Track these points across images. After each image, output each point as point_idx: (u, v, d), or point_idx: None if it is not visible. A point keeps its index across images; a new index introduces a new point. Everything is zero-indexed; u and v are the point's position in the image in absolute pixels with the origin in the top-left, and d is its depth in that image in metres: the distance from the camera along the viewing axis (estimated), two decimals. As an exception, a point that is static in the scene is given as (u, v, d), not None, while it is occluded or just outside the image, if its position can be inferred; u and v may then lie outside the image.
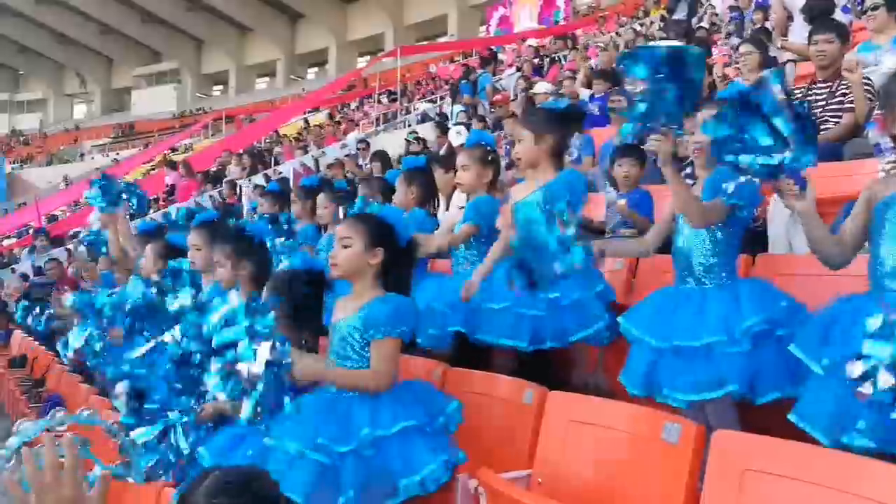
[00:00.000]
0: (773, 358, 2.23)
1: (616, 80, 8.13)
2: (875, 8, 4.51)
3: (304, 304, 2.63)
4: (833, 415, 1.81)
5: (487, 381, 2.77)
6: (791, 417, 1.93)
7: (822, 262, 2.16)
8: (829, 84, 4.15)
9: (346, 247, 2.38)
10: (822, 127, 4.05)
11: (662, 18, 14.22)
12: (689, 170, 4.07)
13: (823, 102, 4.11)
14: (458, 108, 11.52)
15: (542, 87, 9.72)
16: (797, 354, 1.99)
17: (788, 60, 6.53)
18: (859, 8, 6.81)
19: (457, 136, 8.68)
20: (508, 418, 2.54)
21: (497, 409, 2.61)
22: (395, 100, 18.44)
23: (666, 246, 3.08)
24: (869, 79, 3.95)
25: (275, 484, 1.36)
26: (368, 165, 9.06)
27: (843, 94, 3.98)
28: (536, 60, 14.19)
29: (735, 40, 8.57)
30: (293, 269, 2.75)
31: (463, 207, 3.54)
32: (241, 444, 2.34)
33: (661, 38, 11.30)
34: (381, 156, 8.11)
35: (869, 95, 3.84)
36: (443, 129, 9.37)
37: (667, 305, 2.49)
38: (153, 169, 21.51)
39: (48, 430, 1.29)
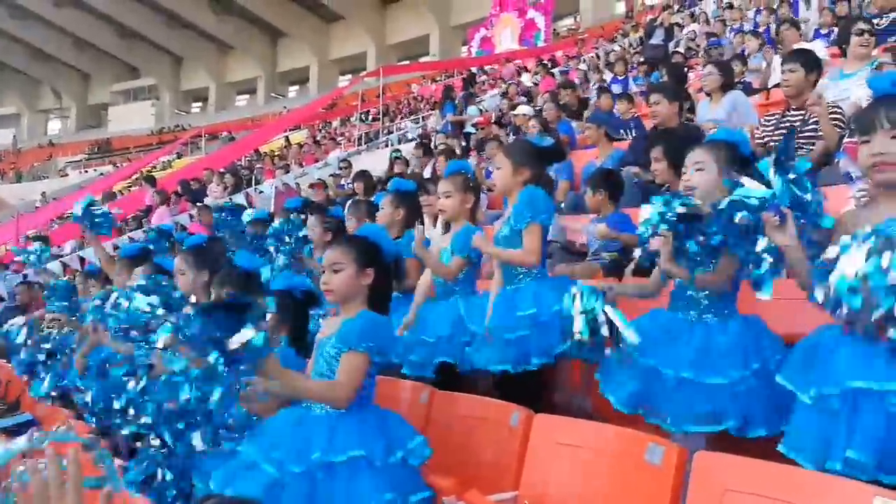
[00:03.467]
0: (766, 393, 2.26)
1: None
2: (862, 34, 4.69)
3: (292, 322, 2.70)
4: (818, 443, 1.86)
5: (473, 403, 2.82)
6: (780, 448, 1.96)
7: (802, 289, 2.21)
8: (802, 112, 4.26)
9: (336, 271, 2.41)
10: (796, 153, 4.17)
11: (640, 41, 14.51)
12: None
13: (797, 130, 4.23)
14: (473, 109, 11.74)
15: (522, 109, 9.86)
16: (784, 384, 2.02)
17: (757, 89, 6.73)
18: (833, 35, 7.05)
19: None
20: (495, 441, 2.58)
21: (483, 431, 2.65)
22: (376, 119, 18.54)
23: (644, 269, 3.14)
24: (839, 108, 4.07)
25: None
26: (351, 185, 9.12)
27: (816, 123, 4.10)
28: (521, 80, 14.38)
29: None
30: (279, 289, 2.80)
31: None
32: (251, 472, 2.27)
33: (639, 63, 11.52)
34: (365, 176, 8.17)
35: (839, 125, 3.96)
36: (426, 149, 9.45)
37: (668, 330, 2.51)
38: (131, 186, 21.36)
39: (25, 455, 1.30)
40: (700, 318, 2.50)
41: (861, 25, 4.83)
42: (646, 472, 2.05)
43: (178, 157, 26.45)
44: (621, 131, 6.70)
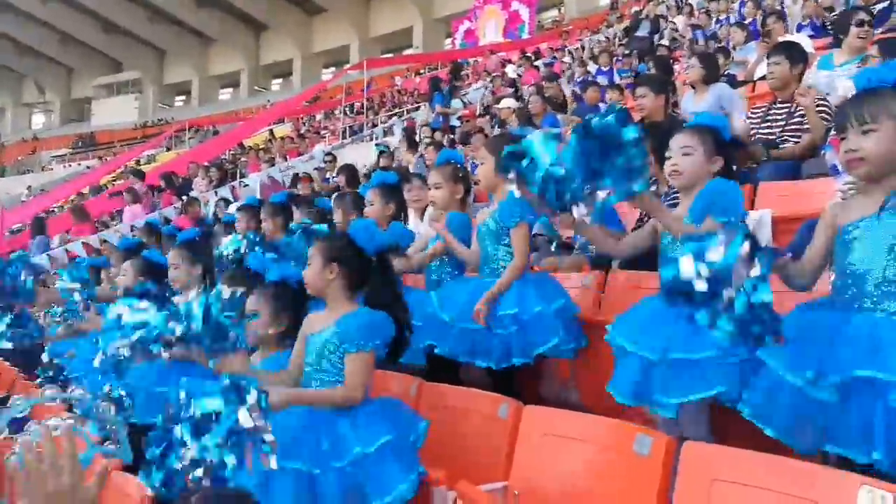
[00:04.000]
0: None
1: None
2: (862, 25, 4.70)
3: (291, 312, 2.75)
4: (806, 426, 1.88)
5: (463, 395, 2.83)
6: (749, 417, 1.99)
7: (786, 284, 2.20)
8: (788, 105, 4.29)
9: (308, 265, 2.55)
10: (781, 146, 4.20)
11: (626, 33, 14.52)
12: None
13: (783, 122, 4.25)
14: (457, 101, 11.82)
15: (506, 102, 9.86)
16: (770, 363, 2.02)
17: (742, 82, 6.76)
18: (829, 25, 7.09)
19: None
20: (484, 432, 2.60)
21: (473, 423, 2.66)
22: (360, 113, 18.49)
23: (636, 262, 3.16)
24: (826, 100, 4.10)
25: None
26: (335, 179, 9.09)
27: (802, 115, 4.13)
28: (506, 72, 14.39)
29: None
30: (276, 280, 2.82)
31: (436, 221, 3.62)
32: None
33: (624, 55, 11.55)
34: (349, 170, 8.15)
35: (826, 117, 3.99)
36: (411, 142, 9.43)
37: (657, 317, 2.48)
38: (116, 180, 21.19)
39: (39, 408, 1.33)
40: None
41: (862, 16, 4.84)
42: (634, 462, 2.07)
43: (168, 150, 26.23)
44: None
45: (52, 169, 35.56)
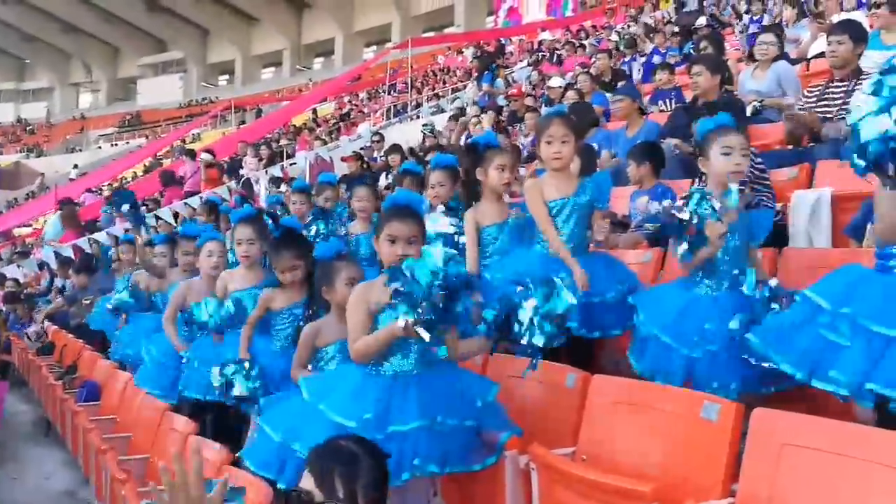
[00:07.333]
0: None
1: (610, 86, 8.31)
2: (878, 6, 4.69)
3: None
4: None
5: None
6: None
7: None
8: (846, 84, 4.28)
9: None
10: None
11: (676, 10, 14.31)
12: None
13: (840, 101, 4.24)
14: (499, 81, 12.00)
15: (555, 81, 9.86)
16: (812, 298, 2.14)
17: (795, 60, 6.67)
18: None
19: None
20: (551, 401, 2.69)
21: (539, 392, 2.76)
22: (403, 92, 18.57)
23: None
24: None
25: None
26: (384, 158, 9.22)
27: (860, 94, 4.12)
28: (545, 55, 14.32)
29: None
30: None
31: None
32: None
33: (672, 34, 11.40)
34: (399, 149, 8.28)
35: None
36: (458, 120, 9.51)
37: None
38: (164, 159, 21.63)
39: None
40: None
41: None
42: (703, 428, 2.14)
43: (240, 125, 26.39)
44: (659, 102, 6.70)
45: (100, 147, 36.33)
